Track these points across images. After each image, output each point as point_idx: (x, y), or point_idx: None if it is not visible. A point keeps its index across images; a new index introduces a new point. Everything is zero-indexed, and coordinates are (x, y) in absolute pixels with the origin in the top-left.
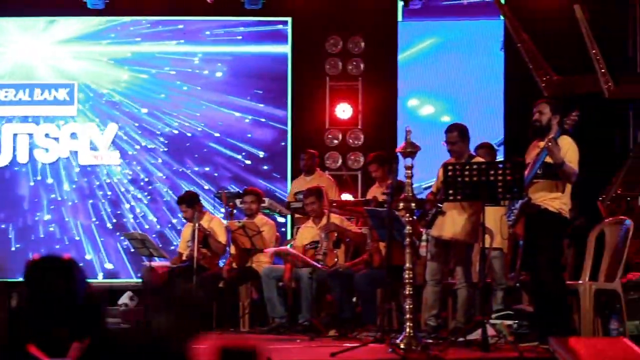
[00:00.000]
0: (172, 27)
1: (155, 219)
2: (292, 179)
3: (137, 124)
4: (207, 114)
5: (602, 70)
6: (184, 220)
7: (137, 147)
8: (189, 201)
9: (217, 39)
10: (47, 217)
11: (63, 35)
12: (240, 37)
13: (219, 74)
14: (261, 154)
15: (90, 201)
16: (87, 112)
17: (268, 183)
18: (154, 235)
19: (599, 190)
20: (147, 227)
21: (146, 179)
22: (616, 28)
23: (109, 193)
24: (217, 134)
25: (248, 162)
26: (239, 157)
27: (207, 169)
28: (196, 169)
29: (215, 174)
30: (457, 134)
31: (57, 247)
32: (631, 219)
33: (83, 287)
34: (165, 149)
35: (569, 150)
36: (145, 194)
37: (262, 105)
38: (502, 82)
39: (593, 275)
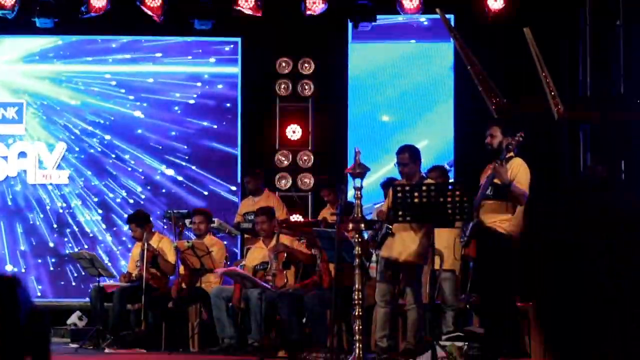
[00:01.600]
0: (122, 47)
1: (103, 238)
2: (242, 199)
3: (86, 144)
4: (158, 134)
5: (552, 93)
6: (134, 240)
7: (86, 166)
8: (139, 220)
9: (168, 59)
10: None
11: (12, 54)
12: (190, 57)
13: (169, 94)
14: (211, 175)
15: (37, 220)
16: (36, 131)
17: (217, 204)
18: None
19: None
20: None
21: (95, 198)
22: (566, 51)
23: (59, 210)
24: (166, 154)
25: (197, 182)
26: (187, 177)
27: (157, 188)
28: (147, 188)
29: (165, 192)
30: (408, 155)
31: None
32: None
33: (27, 307)
34: (114, 168)
35: (519, 172)
36: (94, 213)
37: (213, 125)
38: (452, 104)
39: None
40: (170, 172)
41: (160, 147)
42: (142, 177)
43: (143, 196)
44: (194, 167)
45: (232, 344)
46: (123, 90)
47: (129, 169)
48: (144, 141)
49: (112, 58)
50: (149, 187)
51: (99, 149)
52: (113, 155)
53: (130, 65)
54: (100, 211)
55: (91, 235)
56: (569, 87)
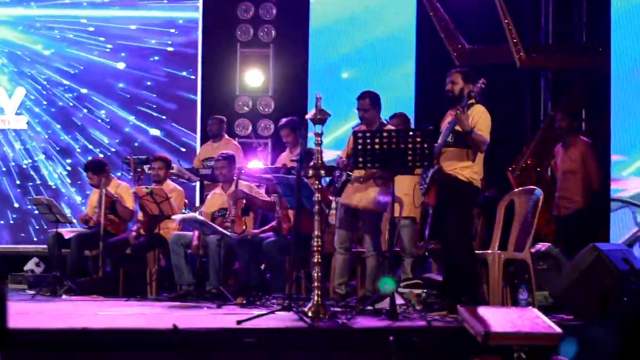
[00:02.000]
0: None
1: (62, 184)
2: (201, 145)
3: (45, 90)
4: (116, 78)
5: (514, 40)
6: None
7: (45, 112)
8: (95, 168)
9: (127, 3)
10: None
11: None
12: (150, 2)
13: (128, 40)
14: (170, 120)
15: None
16: None
17: (177, 149)
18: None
19: (510, 161)
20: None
21: (54, 144)
22: None
23: (15, 156)
24: (125, 98)
25: (157, 128)
26: (147, 124)
27: (124, 139)
28: (115, 139)
29: (122, 140)
30: (369, 101)
31: None
32: (541, 190)
33: None
34: (81, 119)
35: (480, 119)
36: (53, 159)
37: (171, 70)
38: (413, 51)
39: (502, 245)
40: (133, 120)
41: (129, 96)
42: (103, 121)
43: (112, 149)
44: (156, 115)
45: (190, 291)
46: (82, 36)
47: (98, 120)
48: (111, 89)
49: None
50: (117, 140)
51: (64, 97)
52: (81, 107)
53: (85, 9)
54: (56, 154)
55: (54, 187)
56: (531, 35)
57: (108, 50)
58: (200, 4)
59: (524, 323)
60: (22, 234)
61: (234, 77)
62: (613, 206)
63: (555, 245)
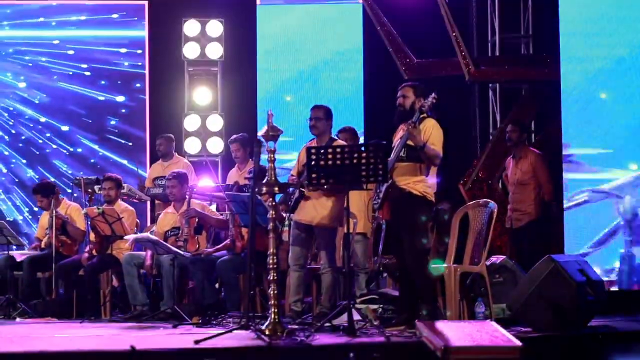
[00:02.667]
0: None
1: (10, 207)
2: (150, 164)
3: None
4: (64, 99)
5: (463, 53)
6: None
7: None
8: (44, 191)
9: (68, 24)
10: None
11: None
12: (94, 21)
13: (73, 61)
14: (120, 140)
15: None
16: None
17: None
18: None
19: (460, 174)
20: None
21: (1, 166)
22: (476, 11)
23: None
24: (70, 118)
25: (106, 148)
26: (97, 144)
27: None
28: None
29: (71, 161)
30: (323, 112)
31: None
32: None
33: None
34: (22, 135)
35: (432, 133)
36: (2, 179)
37: (119, 89)
38: (361, 65)
39: (457, 258)
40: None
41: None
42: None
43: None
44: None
45: (145, 311)
46: (27, 57)
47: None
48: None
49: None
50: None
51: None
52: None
53: (30, 30)
54: (3, 175)
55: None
56: (478, 47)
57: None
58: (146, 22)
59: (483, 337)
60: None
61: (182, 95)
62: (596, 197)
63: (509, 258)
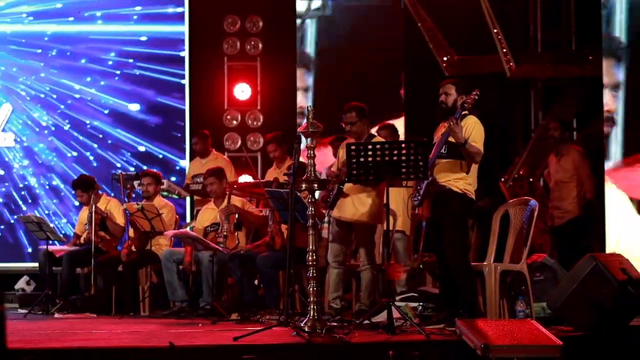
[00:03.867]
0: (63, 6)
1: (51, 202)
2: (190, 160)
3: (31, 106)
4: (105, 95)
5: (504, 50)
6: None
7: (34, 128)
8: (84, 186)
9: (111, 19)
10: None
11: None
12: (135, 17)
13: (113, 54)
14: (160, 136)
15: None
16: None
17: (166, 165)
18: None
19: (501, 171)
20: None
21: (42, 161)
22: (517, 7)
23: (4, 175)
24: (111, 114)
25: (146, 144)
26: (137, 139)
27: (111, 152)
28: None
29: (113, 156)
30: (355, 114)
31: None
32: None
33: None
34: (63, 130)
35: (473, 130)
36: (42, 177)
37: (159, 85)
38: (401, 62)
39: (498, 256)
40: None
41: (107, 112)
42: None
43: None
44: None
45: (184, 308)
46: (68, 53)
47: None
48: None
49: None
50: (100, 152)
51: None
52: (67, 121)
53: (72, 25)
54: (45, 171)
55: (38, 197)
56: (520, 43)
57: (100, 67)
58: (186, 18)
59: (523, 335)
60: (8, 247)
61: (221, 91)
62: None
63: (550, 256)
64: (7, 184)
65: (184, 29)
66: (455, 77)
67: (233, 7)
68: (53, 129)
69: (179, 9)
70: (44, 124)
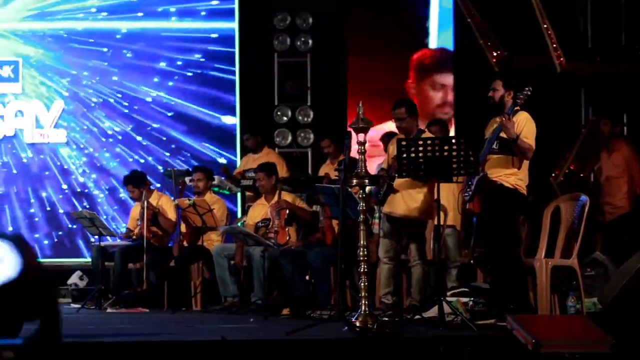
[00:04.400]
0: (119, 4)
1: (104, 197)
2: (242, 156)
3: (84, 102)
4: (156, 91)
5: (554, 45)
6: (132, 200)
7: (85, 124)
8: (135, 181)
9: (162, 15)
10: None
11: (8, 12)
12: (185, 13)
13: (164, 51)
14: (211, 131)
15: (35, 181)
16: (33, 90)
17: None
18: (104, 217)
19: (552, 167)
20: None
21: (94, 157)
22: (567, 3)
23: (56, 171)
24: (167, 113)
25: (197, 139)
26: (187, 136)
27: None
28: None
29: (166, 153)
30: (405, 109)
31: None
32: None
33: (33, 266)
34: (114, 127)
35: (525, 126)
36: (94, 172)
37: (209, 82)
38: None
39: (549, 252)
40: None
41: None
42: (143, 136)
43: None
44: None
45: (235, 303)
46: (122, 50)
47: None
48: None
49: (101, 15)
50: (151, 148)
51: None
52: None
53: (124, 22)
54: (97, 167)
55: (88, 194)
56: (570, 39)
57: (146, 64)
58: (236, 14)
59: (575, 330)
60: (66, 248)
61: (272, 87)
62: None
63: (601, 251)
64: (62, 183)
65: (234, 25)
66: (504, 73)
67: (283, 3)
68: (111, 125)
69: (229, 5)
70: (91, 121)
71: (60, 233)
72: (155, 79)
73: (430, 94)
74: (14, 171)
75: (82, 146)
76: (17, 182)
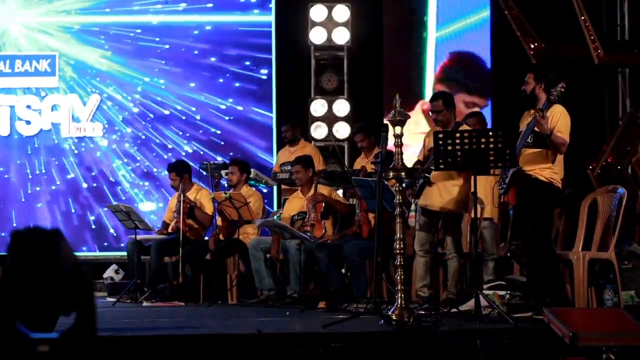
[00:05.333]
0: None
1: (140, 192)
2: (278, 150)
3: (119, 96)
4: (190, 84)
5: (592, 37)
6: (169, 194)
7: (120, 118)
8: (179, 169)
9: (198, 7)
10: (30, 190)
11: (44, 6)
12: (224, 6)
13: (201, 45)
14: (247, 126)
15: (72, 175)
16: (69, 84)
17: (253, 154)
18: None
19: (589, 160)
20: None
21: (130, 151)
22: None
23: (92, 165)
24: (200, 105)
25: (235, 132)
26: (223, 129)
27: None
28: (181, 141)
29: (200, 146)
30: (442, 102)
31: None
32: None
33: (70, 259)
34: (149, 120)
35: (559, 120)
36: (129, 166)
37: (246, 74)
38: (489, 50)
39: (586, 244)
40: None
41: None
42: (179, 130)
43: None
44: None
45: (271, 296)
46: (155, 43)
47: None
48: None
49: (137, 6)
50: (187, 142)
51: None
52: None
53: (159, 15)
54: (132, 161)
55: (127, 187)
56: (607, 31)
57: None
58: (272, 7)
59: (612, 323)
60: (97, 236)
61: (308, 80)
62: None
63: (639, 244)
64: (94, 174)
65: (271, 18)
66: (541, 65)
67: None
68: (145, 118)
69: None
70: (127, 114)
71: (94, 227)
72: (187, 73)
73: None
74: (54, 164)
75: (118, 139)
76: (53, 177)
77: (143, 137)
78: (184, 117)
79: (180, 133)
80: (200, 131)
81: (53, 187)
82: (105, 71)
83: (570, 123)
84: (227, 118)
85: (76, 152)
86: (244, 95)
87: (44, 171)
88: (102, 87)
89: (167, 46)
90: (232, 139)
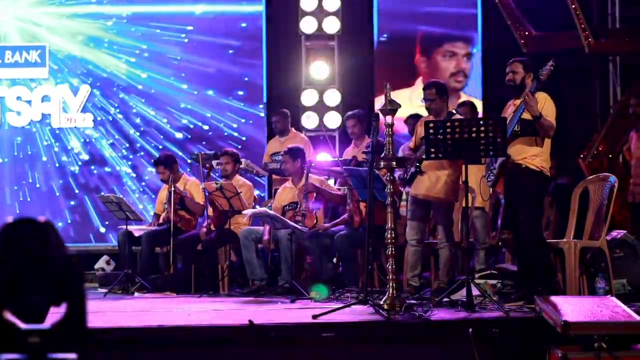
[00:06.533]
0: None
1: (130, 182)
2: (269, 139)
3: (109, 86)
4: (181, 74)
5: (582, 26)
6: (160, 183)
7: (110, 109)
8: (166, 162)
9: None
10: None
11: None
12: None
13: (190, 35)
14: (237, 116)
15: (61, 165)
16: (59, 74)
17: (244, 144)
18: (132, 201)
19: (580, 148)
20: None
21: (120, 141)
22: None
23: (83, 156)
24: (189, 95)
25: (225, 123)
26: (214, 120)
27: (180, 134)
28: (171, 130)
29: (190, 137)
30: (434, 91)
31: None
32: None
33: (60, 251)
34: (138, 112)
35: (545, 104)
36: (120, 155)
37: (236, 65)
38: (479, 40)
39: (577, 233)
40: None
41: (185, 86)
42: (167, 119)
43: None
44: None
45: (262, 286)
46: (144, 33)
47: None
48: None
49: None
50: (176, 131)
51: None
52: (139, 104)
53: (149, 6)
54: (123, 151)
55: (117, 177)
56: (598, 20)
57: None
58: None
59: (604, 312)
60: (87, 226)
61: (299, 70)
62: None
63: (630, 233)
64: (92, 167)
65: (261, 8)
66: (532, 53)
67: None
68: (135, 109)
69: None
70: (117, 105)
71: (85, 217)
72: (176, 62)
73: (442, 65)
74: (44, 158)
75: (107, 130)
76: (43, 167)
77: (132, 128)
78: (172, 108)
79: (169, 125)
80: (187, 121)
81: (43, 178)
82: (94, 62)
83: (560, 111)
84: (217, 108)
85: (66, 142)
86: (234, 85)
87: (35, 161)
88: (91, 78)
89: (157, 33)
90: (221, 128)
